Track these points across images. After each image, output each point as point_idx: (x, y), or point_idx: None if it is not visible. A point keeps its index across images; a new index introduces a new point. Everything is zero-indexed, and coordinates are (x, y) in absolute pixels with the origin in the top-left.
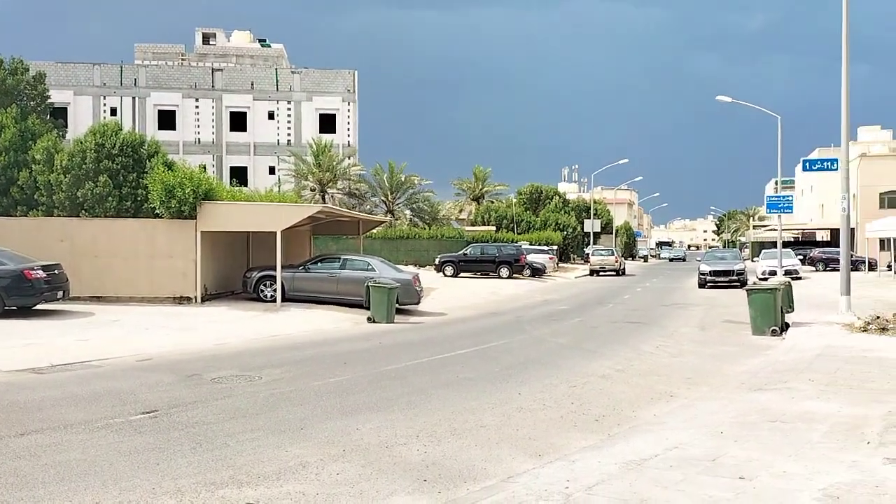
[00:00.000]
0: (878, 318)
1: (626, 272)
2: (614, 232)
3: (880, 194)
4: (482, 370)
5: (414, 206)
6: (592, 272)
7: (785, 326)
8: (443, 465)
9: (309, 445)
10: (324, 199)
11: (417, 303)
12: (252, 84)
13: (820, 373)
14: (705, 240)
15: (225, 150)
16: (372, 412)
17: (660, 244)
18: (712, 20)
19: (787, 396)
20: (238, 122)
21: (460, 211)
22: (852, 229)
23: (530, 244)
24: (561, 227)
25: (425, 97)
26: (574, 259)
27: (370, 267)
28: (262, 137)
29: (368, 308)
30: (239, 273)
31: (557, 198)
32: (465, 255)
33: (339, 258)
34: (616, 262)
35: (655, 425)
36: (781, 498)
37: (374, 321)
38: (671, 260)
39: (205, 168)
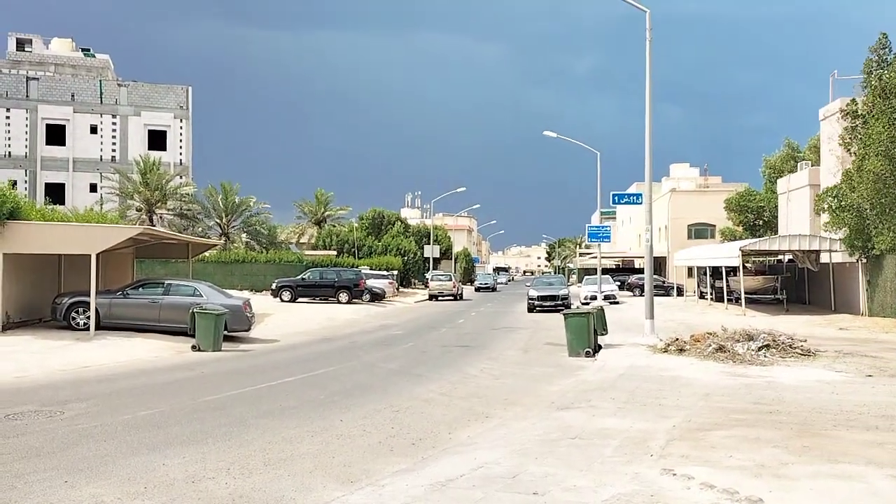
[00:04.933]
0: (678, 339)
1: (464, 297)
2: (454, 258)
3: (688, 226)
4: (306, 398)
5: (251, 228)
6: (431, 297)
7: (598, 348)
8: (251, 498)
9: (107, 484)
10: (151, 220)
11: (248, 329)
12: (73, 95)
13: (621, 391)
14: (539, 266)
15: (40, 166)
16: (183, 446)
17: (497, 270)
18: (546, 59)
19: (589, 414)
20: (56, 135)
21: (301, 235)
22: (664, 258)
23: (371, 269)
24: (402, 252)
25: (267, 118)
26: (415, 284)
27: (197, 292)
28: (83, 153)
29: (194, 336)
30: (49, 299)
31: (399, 223)
32: (303, 279)
33: (163, 283)
34: (454, 287)
35: (468, 446)
36: None
37: (199, 349)
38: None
39: (15, 184)
